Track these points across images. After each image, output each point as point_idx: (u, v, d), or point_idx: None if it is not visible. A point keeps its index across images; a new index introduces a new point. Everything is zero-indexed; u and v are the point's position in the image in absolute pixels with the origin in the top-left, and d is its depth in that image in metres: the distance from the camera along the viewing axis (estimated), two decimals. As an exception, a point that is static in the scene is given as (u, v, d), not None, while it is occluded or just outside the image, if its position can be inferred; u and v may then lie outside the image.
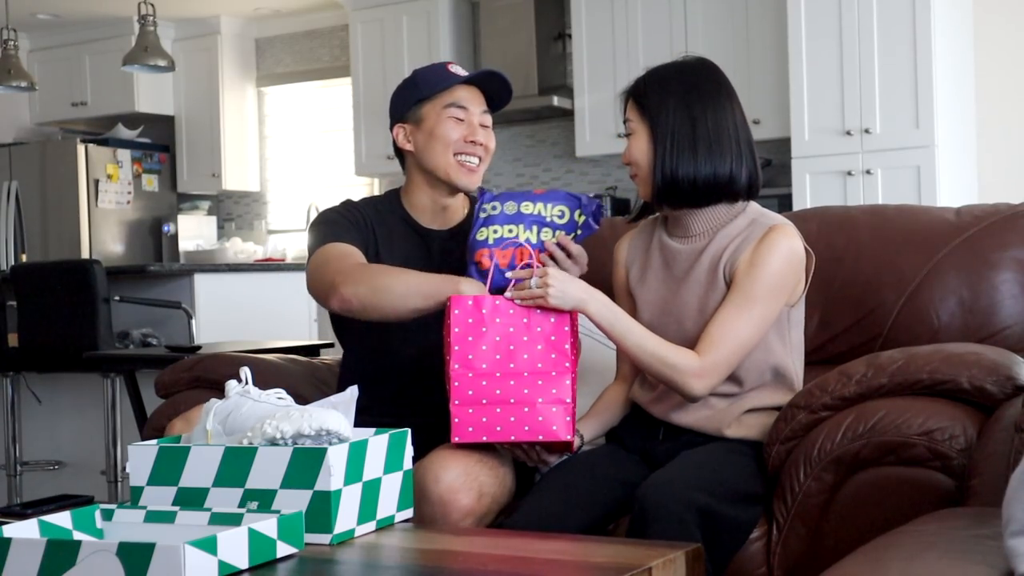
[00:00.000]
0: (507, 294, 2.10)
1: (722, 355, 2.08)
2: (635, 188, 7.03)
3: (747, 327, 2.09)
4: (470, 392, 2.05)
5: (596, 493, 2.09)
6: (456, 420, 2.05)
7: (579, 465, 2.15)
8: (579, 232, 2.21)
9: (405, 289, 2.15)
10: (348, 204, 2.46)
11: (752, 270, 2.10)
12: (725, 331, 2.08)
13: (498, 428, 2.04)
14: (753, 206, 2.20)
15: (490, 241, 2.20)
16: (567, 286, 2.08)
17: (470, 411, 2.05)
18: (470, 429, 2.05)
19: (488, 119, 2.42)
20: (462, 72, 2.41)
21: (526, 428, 2.04)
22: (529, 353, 2.06)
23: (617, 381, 2.34)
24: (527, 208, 2.20)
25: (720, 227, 2.17)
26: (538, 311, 2.07)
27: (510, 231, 2.19)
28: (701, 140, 2.11)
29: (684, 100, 2.13)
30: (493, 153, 2.44)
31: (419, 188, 2.43)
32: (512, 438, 2.05)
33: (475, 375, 2.05)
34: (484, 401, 2.05)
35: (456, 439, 2.06)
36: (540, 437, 2.04)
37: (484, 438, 2.05)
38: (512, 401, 2.04)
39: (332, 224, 2.37)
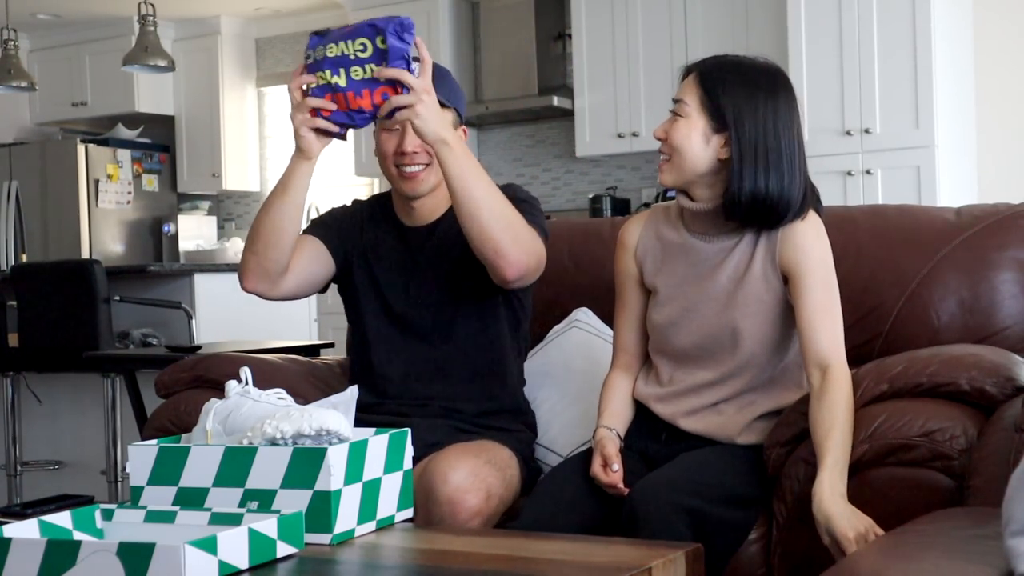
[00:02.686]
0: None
1: (843, 353, 2.06)
2: (635, 187, 6.97)
3: (840, 317, 2.10)
4: None
5: (594, 495, 2.08)
6: None
7: (578, 467, 2.15)
8: (407, 60, 2.04)
9: (266, 206, 2.24)
10: (346, 206, 2.53)
11: (816, 263, 2.08)
12: (838, 334, 2.07)
13: None
14: None
15: (307, 90, 2.11)
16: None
17: None
18: None
19: None
20: None
21: None
22: None
23: (622, 371, 2.25)
24: (331, 51, 2.08)
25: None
26: None
27: (321, 78, 2.08)
28: (784, 155, 2.05)
29: (772, 108, 2.08)
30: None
31: (393, 190, 2.46)
32: None
33: None
34: None
35: None
36: None
37: None
38: None
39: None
